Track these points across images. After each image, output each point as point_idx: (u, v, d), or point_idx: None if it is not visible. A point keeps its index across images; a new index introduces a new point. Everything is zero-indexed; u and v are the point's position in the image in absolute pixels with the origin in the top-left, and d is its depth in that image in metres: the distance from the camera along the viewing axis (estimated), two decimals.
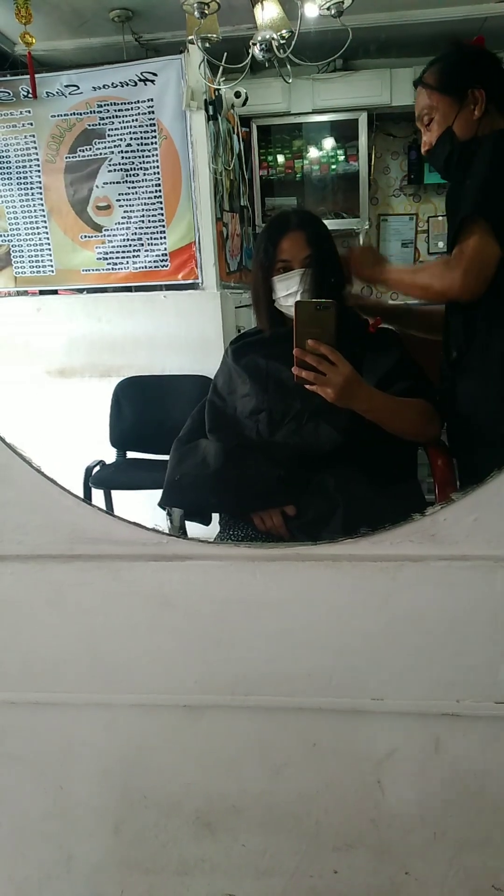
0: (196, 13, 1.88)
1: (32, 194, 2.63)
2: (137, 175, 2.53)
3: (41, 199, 2.63)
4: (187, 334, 2.54)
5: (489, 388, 1.25)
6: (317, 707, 0.85)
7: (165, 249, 2.57)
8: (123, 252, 2.61)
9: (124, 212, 2.57)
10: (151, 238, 2.57)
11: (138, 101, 2.47)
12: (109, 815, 0.93)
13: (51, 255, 2.67)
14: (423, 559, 0.78)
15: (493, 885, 0.89)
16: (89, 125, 2.53)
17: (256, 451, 1.29)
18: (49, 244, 2.67)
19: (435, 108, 1.27)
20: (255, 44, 2.03)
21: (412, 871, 0.90)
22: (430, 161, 1.35)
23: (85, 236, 2.63)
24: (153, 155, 2.50)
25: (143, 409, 2.47)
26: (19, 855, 0.97)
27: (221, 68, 2.20)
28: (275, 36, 2.00)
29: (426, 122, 1.29)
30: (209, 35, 2.00)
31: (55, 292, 2.75)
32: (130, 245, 2.59)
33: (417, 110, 1.31)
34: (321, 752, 0.87)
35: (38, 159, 2.60)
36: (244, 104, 2.70)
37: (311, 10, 1.97)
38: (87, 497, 2.25)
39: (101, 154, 2.54)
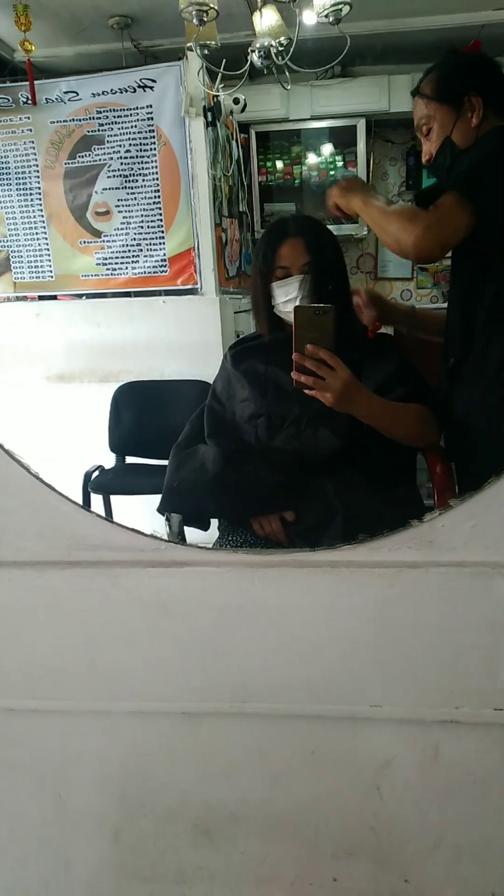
0: (195, 20, 1.89)
1: (32, 200, 2.64)
2: (136, 181, 2.54)
3: (40, 204, 2.64)
4: (186, 339, 2.55)
5: (486, 395, 1.25)
6: (315, 714, 0.85)
7: (164, 255, 2.58)
8: (122, 257, 2.61)
9: (123, 217, 2.58)
10: (150, 244, 2.58)
11: (137, 108, 2.48)
12: (108, 822, 0.93)
13: (50, 260, 2.68)
14: (422, 566, 0.78)
15: (492, 893, 0.89)
16: (88, 131, 2.54)
17: (255, 457, 1.29)
18: (48, 250, 2.67)
19: (433, 117, 1.26)
20: (253, 51, 2.04)
21: (411, 878, 0.90)
22: (432, 171, 1.33)
23: (84, 242, 2.63)
24: (152, 161, 2.51)
25: (142, 414, 2.48)
26: (18, 862, 0.96)
27: (220, 75, 2.21)
28: (273, 43, 2.01)
29: (425, 133, 1.28)
30: (208, 42, 2.00)
31: (54, 298, 2.75)
32: (129, 251, 2.60)
33: (416, 120, 1.30)
34: (320, 759, 0.86)
35: (37, 165, 2.61)
36: (243, 110, 2.71)
37: (310, 18, 1.98)
38: (87, 502, 2.25)
39: (100, 160, 2.55)
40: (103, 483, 2.33)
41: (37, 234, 2.67)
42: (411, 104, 1.33)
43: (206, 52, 2.01)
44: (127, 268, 2.62)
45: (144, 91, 2.47)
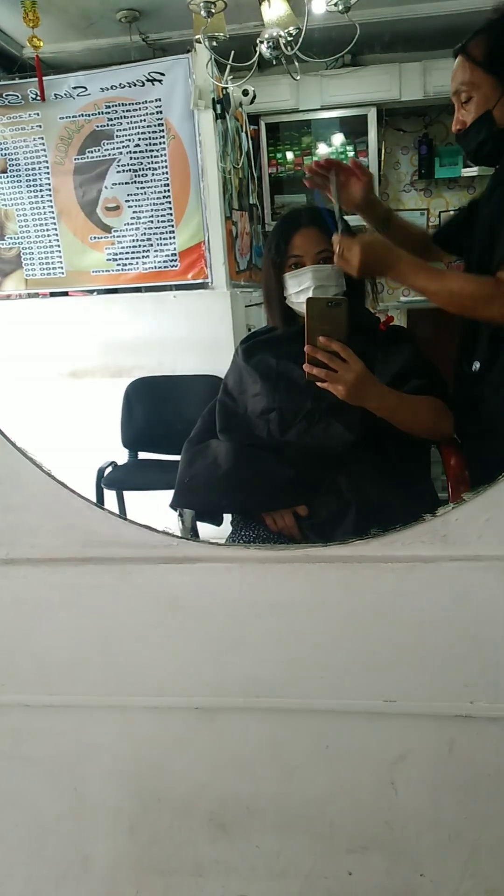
0: (203, 12, 1.87)
1: (42, 196, 2.65)
2: (146, 175, 2.53)
3: (50, 201, 2.64)
4: (197, 334, 2.54)
5: None
6: (329, 709, 0.85)
7: (175, 249, 2.57)
8: (133, 253, 2.61)
9: (133, 212, 2.58)
10: (161, 238, 2.57)
11: (146, 102, 2.47)
12: (124, 816, 0.93)
13: (61, 257, 2.68)
14: (435, 560, 0.78)
15: None
16: (97, 126, 2.53)
17: (268, 451, 1.29)
18: (59, 246, 2.68)
19: (476, 86, 1.15)
20: (262, 41, 2.02)
21: (427, 873, 0.90)
22: (461, 142, 1.25)
23: (94, 237, 2.63)
24: (161, 155, 2.51)
25: (155, 409, 2.48)
26: (36, 856, 0.97)
27: (229, 67, 2.19)
28: (282, 33, 1.99)
29: (463, 100, 1.19)
30: (216, 34, 1.99)
31: (65, 294, 2.76)
32: (140, 246, 2.60)
33: (455, 84, 1.19)
34: (334, 753, 0.86)
35: (47, 161, 2.61)
36: (252, 102, 2.69)
37: (318, 7, 1.96)
38: (100, 498, 2.26)
39: (109, 155, 2.54)
40: (116, 479, 2.34)
41: (47, 230, 2.67)
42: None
43: (214, 43, 2.00)
44: (137, 263, 2.62)
45: (153, 84, 2.46)
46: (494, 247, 1.16)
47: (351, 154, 3.32)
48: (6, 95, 2.58)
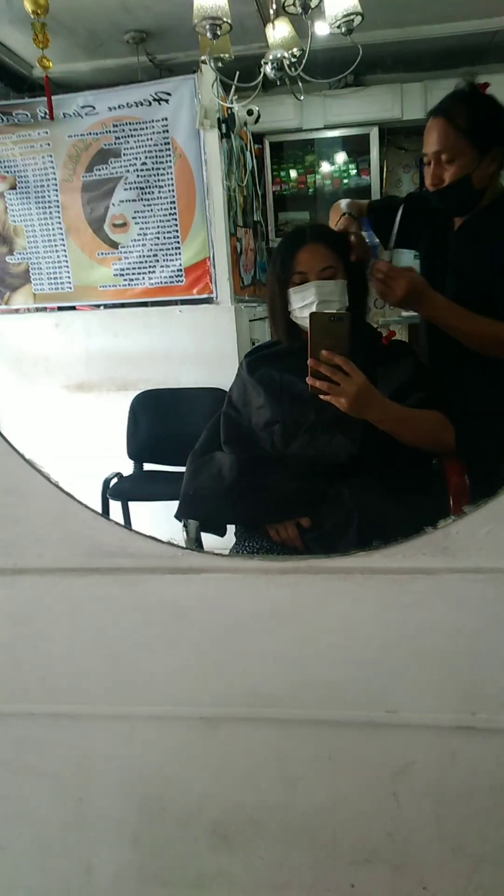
0: (208, 34, 1.91)
1: (50, 213, 2.69)
2: (153, 193, 2.57)
3: (59, 217, 2.68)
4: (202, 348, 2.57)
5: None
6: (332, 720, 0.85)
7: (180, 265, 2.60)
8: (139, 268, 2.65)
9: (140, 229, 2.62)
10: (167, 254, 2.61)
11: (153, 121, 2.52)
12: (128, 826, 0.94)
13: (69, 272, 2.72)
14: (436, 572, 0.78)
15: None
16: (105, 145, 2.58)
17: (271, 463, 1.30)
18: (67, 261, 2.71)
19: (460, 152, 1.23)
20: (266, 62, 2.05)
21: (430, 885, 0.90)
22: (437, 197, 1.30)
23: (102, 253, 2.67)
24: (168, 173, 2.55)
25: (160, 421, 2.50)
26: (39, 865, 0.97)
27: (234, 87, 2.23)
28: (286, 54, 2.03)
29: (444, 160, 1.25)
30: (222, 55, 2.03)
31: (73, 308, 2.79)
32: (146, 261, 2.63)
33: (436, 144, 1.25)
34: (337, 764, 0.87)
35: (55, 179, 2.66)
36: (257, 121, 2.73)
37: (322, 29, 1.99)
38: (106, 509, 2.28)
39: (116, 173, 2.59)
40: (122, 490, 2.35)
41: (56, 246, 2.71)
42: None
43: (219, 64, 2.04)
44: (144, 278, 2.65)
45: (160, 104, 2.50)
46: None
47: (353, 172, 3.37)
48: (16, 114, 2.63)
